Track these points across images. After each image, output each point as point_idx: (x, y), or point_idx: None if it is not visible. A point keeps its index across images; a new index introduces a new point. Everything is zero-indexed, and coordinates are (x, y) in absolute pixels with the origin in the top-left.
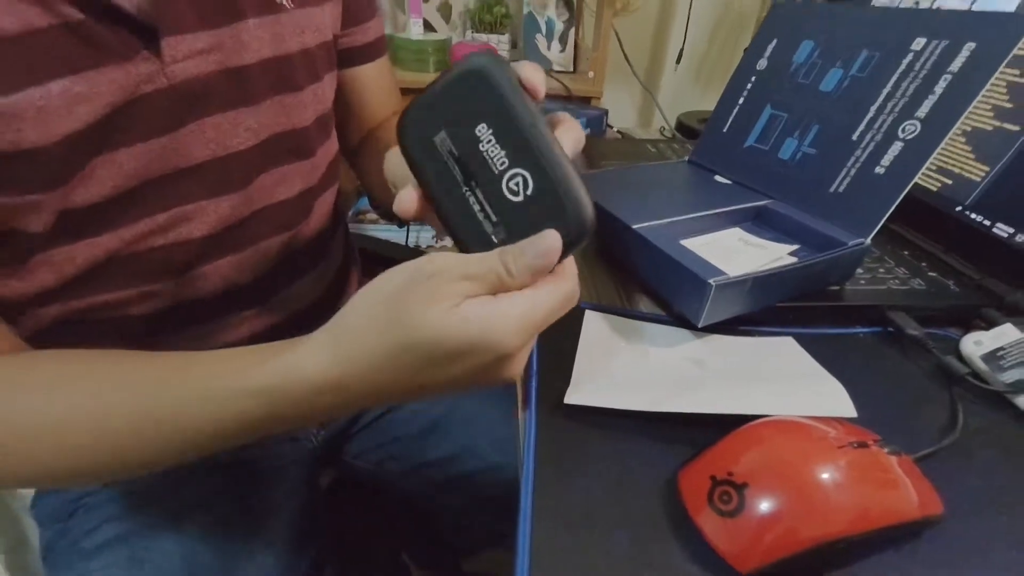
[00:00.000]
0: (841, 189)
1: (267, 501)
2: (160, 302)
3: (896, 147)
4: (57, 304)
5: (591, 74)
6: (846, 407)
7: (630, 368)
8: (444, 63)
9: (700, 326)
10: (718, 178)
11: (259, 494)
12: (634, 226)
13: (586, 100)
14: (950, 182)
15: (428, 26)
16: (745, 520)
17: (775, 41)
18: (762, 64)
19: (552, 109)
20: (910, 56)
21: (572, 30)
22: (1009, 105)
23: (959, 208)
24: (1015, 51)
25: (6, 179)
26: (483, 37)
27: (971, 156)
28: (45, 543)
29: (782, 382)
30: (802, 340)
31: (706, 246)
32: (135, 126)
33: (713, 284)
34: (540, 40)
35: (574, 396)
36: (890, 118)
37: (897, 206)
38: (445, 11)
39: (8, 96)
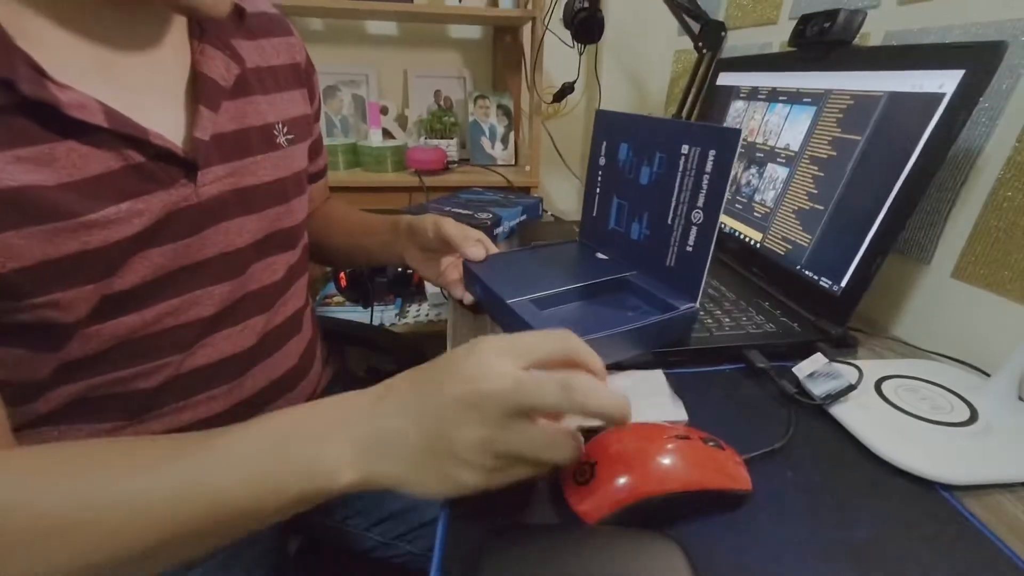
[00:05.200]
0: (672, 264)
1: (243, 562)
2: (164, 376)
3: (694, 230)
4: (74, 382)
5: (527, 168)
6: (680, 414)
7: None
8: (400, 163)
9: None
10: (599, 254)
11: (235, 557)
12: (508, 301)
13: (526, 189)
14: (791, 247)
15: (387, 134)
16: (593, 486)
17: (604, 143)
18: (602, 161)
19: (495, 198)
20: (683, 159)
21: (512, 132)
22: (816, 191)
23: (798, 267)
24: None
25: (70, 275)
26: (434, 142)
27: (800, 228)
28: None
29: (642, 400)
30: (679, 377)
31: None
32: (168, 232)
33: None
34: (485, 142)
35: None
36: (684, 207)
37: (759, 263)
38: (402, 121)
39: (98, 212)
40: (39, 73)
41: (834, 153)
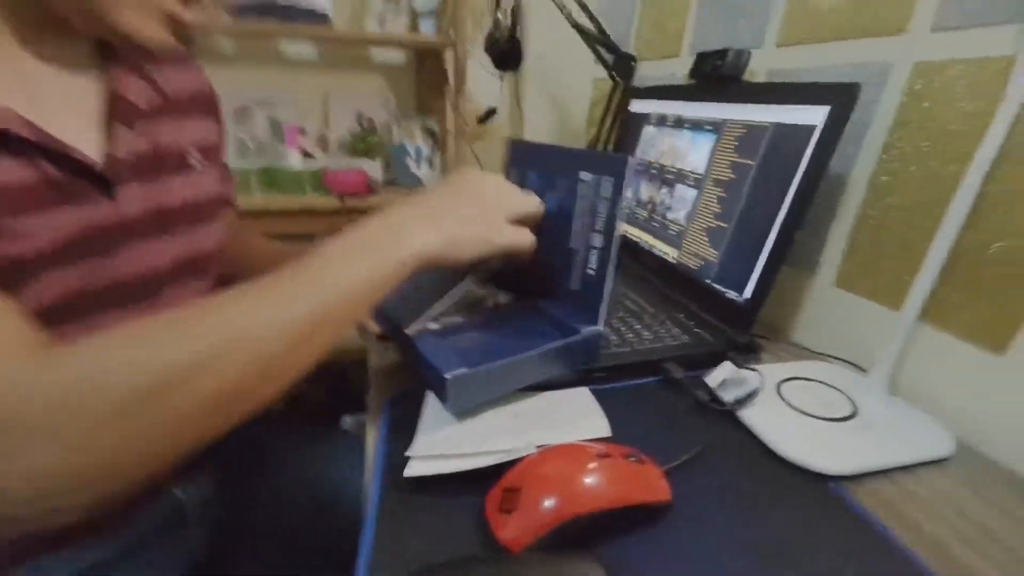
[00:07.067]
0: (577, 287)
1: None
2: None
3: (594, 253)
4: None
5: None
6: (603, 429)
7: (461, 430)
8: (318, 185)
9: (452, 413)
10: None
11: None
12: (405, 329)
13: None
14: (703, 262)
15: (308, 156)
16: (517, 514)
17: (515, 170)
18: None
19: None
20: (582, 185)
21: (437, 154)
22: (720, 210)
23: (708, 280)
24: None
25: None
26: (358, 162)
27: (708, 245)
28: None
29: (566, 420)
30: (602, 393)
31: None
32: (84, 250)
33: (449, 377)
34: (410, 162)
35: (413, 468)
36: (586, 232)
37: (676, 278)
38: (323, 143)
39: (10, 224)
40: None
41: (733, 176)
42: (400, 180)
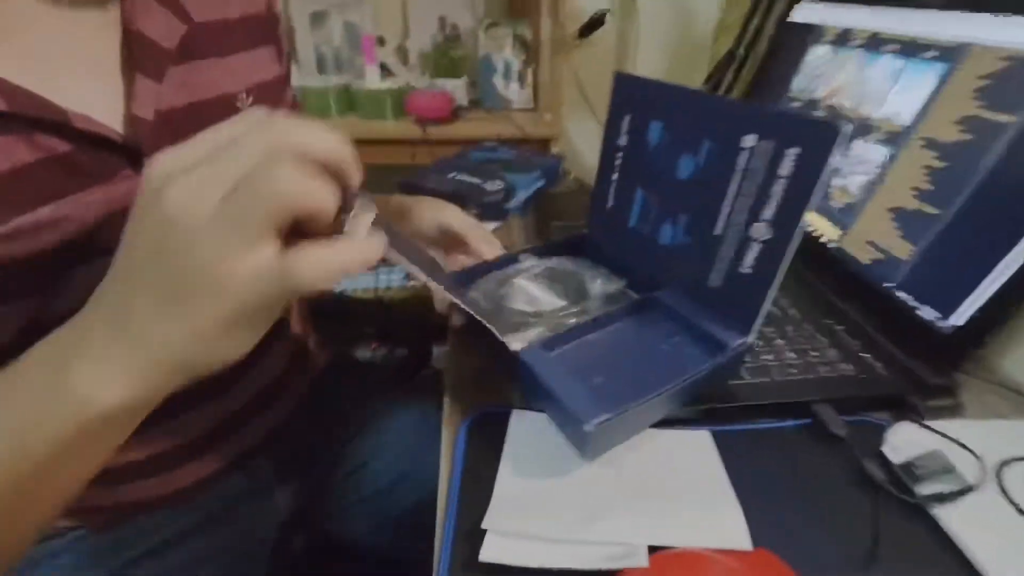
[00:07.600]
0: (718, 284)
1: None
2: None
3: (754, 248)
4: None
5: (548, 116)
6: (742, 539)
7: (550, 488)
8: (402, 108)
9: (590, 460)
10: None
11: (234, 568)
12: (510, 345)
13: (545, 142)
14: (881, 256)
15: (386, 70)
16: None
17: (628, 117)
18: (623, 140)
19: (509, 157)
20: (745, 154)
21: (530, 69)
22: (930, 187)
23: (888, 285)
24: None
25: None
26: (441, 82)
27: (898, 234)
28: None
29: (690, 506)
30: (727, 437)
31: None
32: (114, 236)
33: (591, 429)
34: (498, 80)
35: (489, 551)
36: (742, 217)
37: (835, 271)
38: (402, 54)
39: (8, 224)
40: None
41: (967, 136)
42: (486, 102)
